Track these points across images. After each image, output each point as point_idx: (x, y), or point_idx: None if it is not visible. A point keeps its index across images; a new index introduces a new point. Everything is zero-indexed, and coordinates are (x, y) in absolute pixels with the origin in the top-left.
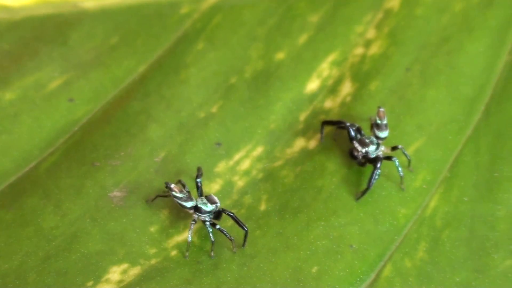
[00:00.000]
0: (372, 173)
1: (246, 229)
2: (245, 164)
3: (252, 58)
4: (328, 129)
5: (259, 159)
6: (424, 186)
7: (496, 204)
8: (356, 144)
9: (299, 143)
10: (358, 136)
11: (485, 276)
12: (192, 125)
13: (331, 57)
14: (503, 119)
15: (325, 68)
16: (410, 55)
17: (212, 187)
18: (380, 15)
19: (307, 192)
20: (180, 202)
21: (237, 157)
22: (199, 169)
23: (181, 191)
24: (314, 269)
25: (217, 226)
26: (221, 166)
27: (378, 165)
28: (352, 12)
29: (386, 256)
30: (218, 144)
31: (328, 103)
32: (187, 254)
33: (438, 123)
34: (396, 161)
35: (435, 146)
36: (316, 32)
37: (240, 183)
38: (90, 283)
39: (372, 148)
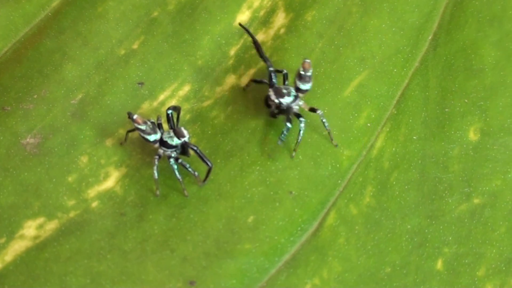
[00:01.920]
0: (285, 123)
1: (210, 165)
2: (171, 104)
3: None
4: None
5: (186, 99)
6: (369, 125)
7: (449, 143)
8: (271, 92)
9: (230, 81)
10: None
11: (439, 222)
12: (112, 64)
13: None
14: (453, 49)
15: None
16: None
17: (135, 131)
18: None
19: (239, 134)
20: (142, 135)
21: (161, 97)
22: (176, 106)
23: (144, 123)
24: (250, 219)
25: (179, 160)
26: (145, 108)
27: (289, 117)
28: None
29: (329, 203)
30: (141, 83)
31: (261, 36)
32: (157, 192)
33: (381, 55)
34: (303, 123)
35: (380, 80)
36: None
37: (166, 125)
38: (2, 240)
39: (287, 99)
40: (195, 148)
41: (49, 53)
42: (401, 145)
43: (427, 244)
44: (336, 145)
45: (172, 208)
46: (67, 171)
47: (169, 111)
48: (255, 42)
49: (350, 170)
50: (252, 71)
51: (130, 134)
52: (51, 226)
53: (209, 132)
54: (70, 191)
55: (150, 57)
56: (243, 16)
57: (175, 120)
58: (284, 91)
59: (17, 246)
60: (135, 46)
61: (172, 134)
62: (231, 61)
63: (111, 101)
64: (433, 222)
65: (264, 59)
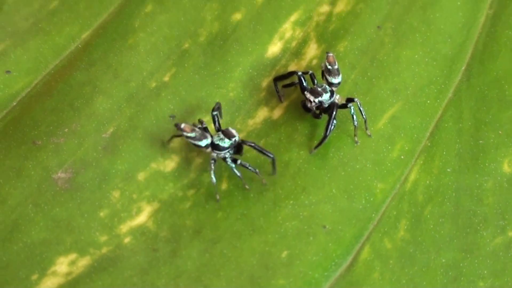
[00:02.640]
0: (328, 122)
1: (272, 155)
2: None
3: (206, 19)
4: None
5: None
6: (402, 157)
7: (483, 175)
8: (308, 94)
9: (262, 113)
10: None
11: (474, 256)
12: (143, 96)
13: (293, 17)
14: (487, 80)
15: (288, 29)
16: (381, 11)
17: (167, 165)
18: None
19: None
20: (193, 142)
21: None
22: (216, 103)
23: (192, 130)
24: (284, 254)
25: (239, 162)
26: (176, 141)
27: (334, 113)
28: None
29: (364, 237)
30: (172, 116)
31: (293, 68)
32: (217, 196)
33: (415, 87)
34: (352, 108)
35: (413, 112)
36: None
37: (198, 159)
38: (34, 277)
39: (325, 96)
40: (252, 144)
41: (79, 86)
42: (435, 178)
43: (462, 278)
44: (370, 135)
45: (205, 243)
46: (99, 206)
47: (214, 113)
48: (276, 79)
49: (384, 203)
50: (284, 104)
51: (162, 167)
52: (84, 262)
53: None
54: (102, 226)
55: (182, 90)
56: (275, 47)
57: (219, 121)
58: (319, 89)
59: (49, 283)
60: (166, 79)
61: (222, 135)
62: (263, 93)
63: (143, 135)
64: (468, 255)
65: (290, 73)
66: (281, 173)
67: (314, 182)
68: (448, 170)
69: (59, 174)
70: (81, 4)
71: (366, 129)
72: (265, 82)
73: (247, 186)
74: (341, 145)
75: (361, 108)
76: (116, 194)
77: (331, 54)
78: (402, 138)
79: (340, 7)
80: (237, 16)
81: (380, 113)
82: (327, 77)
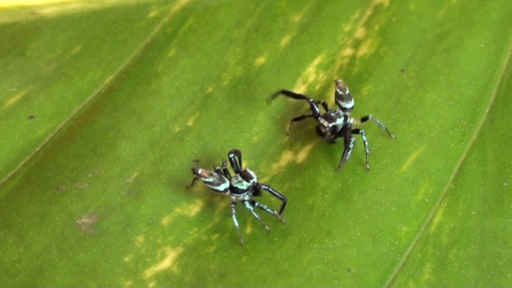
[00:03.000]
0: (345, 143)
1: (284, 199)
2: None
3: (229, 64)
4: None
5: None
6: (427, 200)
7: (507, 217)
8: (322, 120)
9: (286, 157)
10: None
11: None
12: (166, 141)
13: (317, 60)
14: (510, 122)
15: (311, 72)
16: (404, 54)
17: (191, 209)
18: (369, 12)
19: (297, 211)
20: (212, 187)
21: None
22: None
23: (210, 175)
24: None
25: (256, 204)
26: (200, 185)
27: (348, 137)
28: (338, 9)
29: (388, 280)
30: (196, 161)
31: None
32: (241, 241)
33: (439, 129)
34: (364, 135)
35: (437, 154)
36: (300, 33)
37: (222, 203)
38: None
39: (339, 121)
40: (266, 188)
41: (103, 131)
42: (460, 221)
43: None
44: (395, 138)
45: None
46: (123, 251)
47: (231, 155)
48: (284, 92)
49: (408, 246)
50: (308, 147)
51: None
52: None
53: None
54: (127, 271)
55: (205, 134)
56: (299, 91)
57: (238, 163)
58: (333, 114)
59: None
60: (190, 123)
61: (240, 178)
62: (287, 137)
63: (167, 179)
64: None
65: (300, 96)
66: (306, 217)
67: (338, 225)
68: (473, 212)
69: (83, 219)
70: (104, 49)
71: (390, 134)
72: (289, 126)
73: (267, 228)
74: (366, 188)
75: (377, 121)
76: (140, 239)
77: (340, 80)
78: (427, 181)
79: (363, 50)
80: (261, 60)
81: (404, 156)
82: (340, 102)
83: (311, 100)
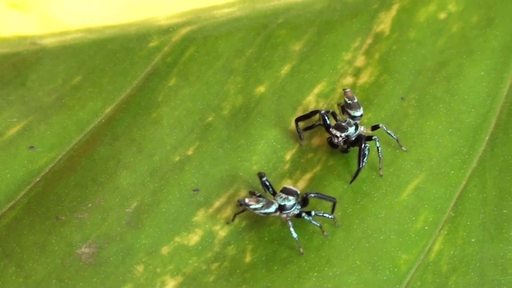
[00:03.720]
0: (359, 153)
1: (334, 200)
2: (227, 212)
3: (230, 93)
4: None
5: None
6: (426, 228)
7: (507, 245)
8: (334, 131)
9: None
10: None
11: None
12: (166, 170)
13: (317, 89)
14: (511, 150)
15: (311, 101)
16: (405, 82)
17: (190, 239)
18: (369, 40)
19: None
20: (262, 211)
21: (217, 204)
22: (259, 173)
23: (257, 201)
24: None
25: (313, 213)
26: (200, 215)
27: (363, 144)
28: (339, 38)
29: None
30: (196, 190)
31: (316, 140)
32: (301, 250)
33: (438, 157)
34: (377, 141)
35: (437, 182)
36: (300, 62)
37: (222, 232)
38: None
39: (351, 130)
40: (314, 194)
41: (103, 161)
42: (460, 248)
43: None
44: (406, 150)
45: None
46: (123, 281)
47: (263, 179)
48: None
49: (408, 274)
50: (308, 176)
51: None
52: None
53: (266, 238)
54: None
55: (205, 163)
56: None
57: (270, 185)
58: (344, 124)
59: None
60: (190, 152)
61: (283, 195)
62: (286, 166)
63: (166, 209)
64: None
65: (313, 113)
66: (305, 246)
67: (338, 254)
68: (472, 240)
69: (83, 249)
70: (104, 79)
71: (401, 146)
72: (289, 155)
73: (326, 233)
74: (365, 217)
75: (388, 131)
76: (140, 268)
77: (348, 90)
78: (426, 208)
79: (363, 79)
80: (261, 89)
81: (404, 184)
82: (349, 111)
83: (322, 111)
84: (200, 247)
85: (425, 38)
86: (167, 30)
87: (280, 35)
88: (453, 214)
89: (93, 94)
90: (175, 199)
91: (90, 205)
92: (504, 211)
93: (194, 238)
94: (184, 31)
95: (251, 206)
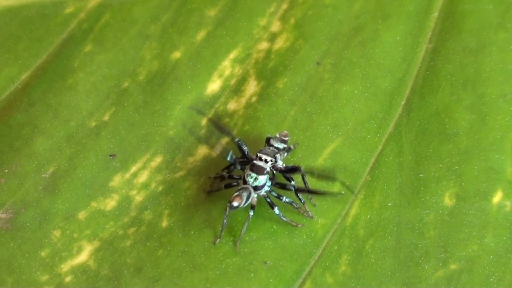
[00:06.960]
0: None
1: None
2: (143, 177)
3: (145, 59)
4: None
5: (158, 170)
6: (343, 192)
7: (424, 209)
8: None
9: (202, 151)
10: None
11: None
12: (83, 136)
13: (232, 54)
14: (427, 114)
15: (227, 66)
16: (320, 47)
17: (107, 204)
18: (284, 6)
19: (213, 204)
20: (251, 203)
21: (133, 169)
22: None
23: (240, 197)
24: None
25: (272, 193)
26: (117, 180)
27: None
28: (254, 3)
29: (305, 272)
30: (112, 155)
31: (232, 105)
32: (295, 224)
33: (355, 122)
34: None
35: (353, 147)
36: (215, 27)
37: (138, 197)
38: None
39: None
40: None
41: (19, 127)
42: (376, 212)
43: None
44: (315, 205)
45: (146, 281)
46: (40, 246)
47: (237, 139)
48: (212, 120)
49: (325, 238)
50: (224, 141)
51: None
52: None
53: (182, 203)
54: (43, 266)
55: (121, 129)
56: (214, 85)
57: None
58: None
59: None
60: (106, 118)
61: (253, 174)
62: (202, 131)
63: (83, 174)
64: None
65: (227, 132)
66: (222, 210)
67: (254, 218)
68: (389, 204)
69: None
70: (20, 46)
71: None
72: (205, 120)
73: (311, 214)
74: (282, 181)
75: (305, 179)
76: (57, 233)
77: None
78: (343, 173)
79: (279, 44)
80: (176, 54)
81: (320, 149)
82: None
83: (237, 140)
84: (116, 212)
85: (341, 3)
86: None
87: (196, 0)
88: (369, 179)
89: (9, 60)
90: (91, 165)
91: (6, 170)
92: (421, 175)
93: (110, 203)
94: None
95: (244, 206)
